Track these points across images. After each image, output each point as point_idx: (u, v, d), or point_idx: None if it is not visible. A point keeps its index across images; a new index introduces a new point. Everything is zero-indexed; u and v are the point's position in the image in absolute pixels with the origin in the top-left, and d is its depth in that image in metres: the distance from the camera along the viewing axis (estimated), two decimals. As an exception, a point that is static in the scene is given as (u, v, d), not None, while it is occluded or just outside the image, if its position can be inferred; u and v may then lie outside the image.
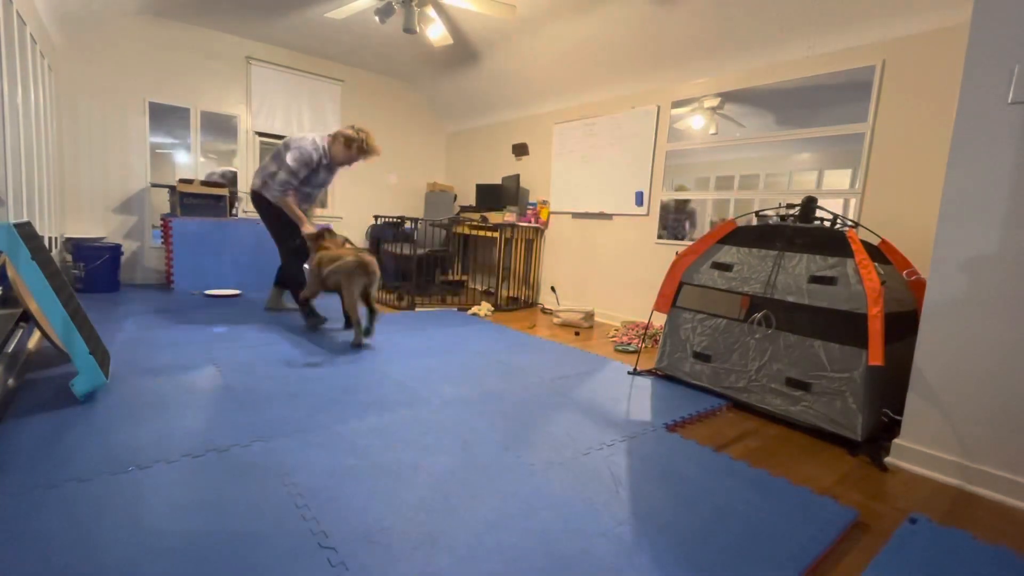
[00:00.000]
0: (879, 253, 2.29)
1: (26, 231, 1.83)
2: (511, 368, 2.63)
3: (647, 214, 3.98)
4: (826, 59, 2.93)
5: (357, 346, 2.83)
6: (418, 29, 3.66)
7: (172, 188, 4.28)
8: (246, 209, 5.00)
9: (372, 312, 2.94)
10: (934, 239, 1.74)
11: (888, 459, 1.83)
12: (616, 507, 1.38)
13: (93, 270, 3.86)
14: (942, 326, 1.73)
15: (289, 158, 3.09)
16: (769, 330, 2.19)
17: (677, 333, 2.57)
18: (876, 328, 1.84)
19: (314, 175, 3.24)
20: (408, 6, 3.44)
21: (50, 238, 3.44)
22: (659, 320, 3.71)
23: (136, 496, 1.27)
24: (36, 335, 2.51)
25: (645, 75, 3.88)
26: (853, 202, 2.86)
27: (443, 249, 5.32)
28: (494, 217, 4.90)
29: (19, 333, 2.19)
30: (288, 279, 3.42)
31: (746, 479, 1.60)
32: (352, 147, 3.16)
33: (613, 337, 3.56)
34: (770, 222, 2.39)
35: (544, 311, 4.54)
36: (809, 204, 2.29)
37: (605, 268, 4.35)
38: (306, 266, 3.30)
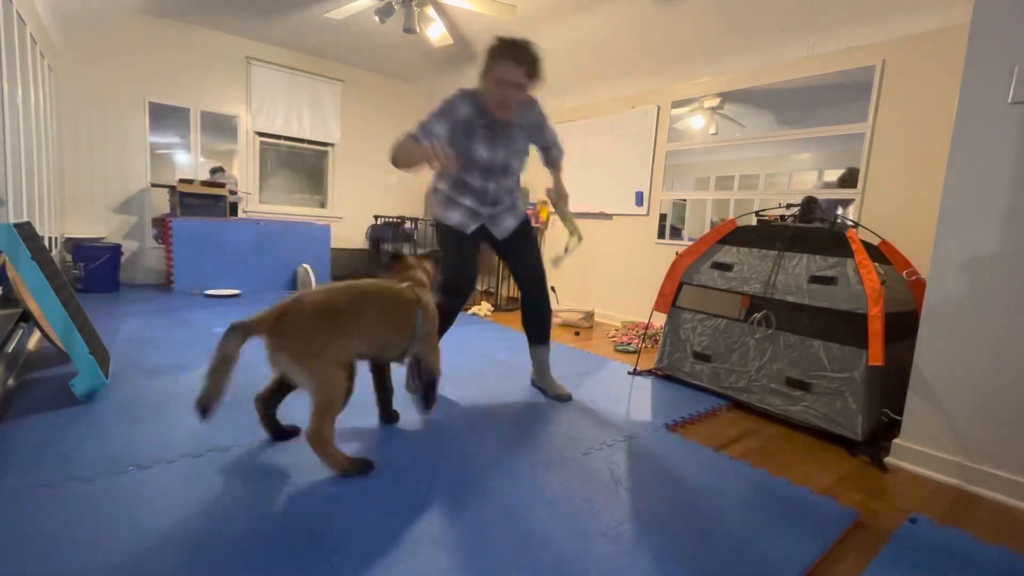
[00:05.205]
0: (879, 253, 2.29)
1: (26, 231, 1.83)
2: (511, 368, 2.63)
3: (647, 214, 3.98)
4: (826, 59, 2.93)
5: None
6: (418, 29, 3.66)
7: (172, 188, 4.28)
8: (246, 209, 5.01)
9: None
10: (934, 239, 1.74)
11: (888, 459, 1.83)
12: (616, 507, 1.38)
13: (93, 270, 3.86)
14: (942, 326, 1.73)
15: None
16: (769, 330, 2.19)
17: (677, 333, 2.57)
18: (876, 328, 1.83)
19: (466, 140, 1.93)
20: (408, 6, 3.44)
21: (50, 238, 3.44)
22: (659, 320, 3.71)
23: (136, 497, 1.27)
24: (36, 335, 2.51)
25: (645, 75, 3.88)
26: (853, 202, 2.86)
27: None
28: (494, 217, 4.90)
29: (19, 333, 2.19)
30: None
31: (746, 479, 1.59)
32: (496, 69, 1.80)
33: (613, 337, 3.56)
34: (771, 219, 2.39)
35: (544, 311, 4.54)
36: (809, 204, 2.29)
37: (605, 268, 4.34)
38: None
